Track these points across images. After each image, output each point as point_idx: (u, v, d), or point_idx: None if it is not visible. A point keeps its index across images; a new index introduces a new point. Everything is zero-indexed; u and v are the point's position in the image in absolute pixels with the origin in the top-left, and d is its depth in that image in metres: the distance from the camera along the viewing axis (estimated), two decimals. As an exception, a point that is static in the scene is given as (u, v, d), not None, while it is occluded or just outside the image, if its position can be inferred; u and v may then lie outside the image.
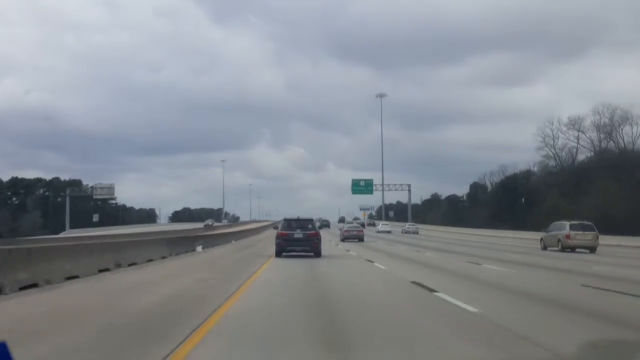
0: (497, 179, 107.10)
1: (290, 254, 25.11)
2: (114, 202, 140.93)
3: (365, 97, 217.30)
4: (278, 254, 25.35)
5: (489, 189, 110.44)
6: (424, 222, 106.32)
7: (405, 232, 75.74)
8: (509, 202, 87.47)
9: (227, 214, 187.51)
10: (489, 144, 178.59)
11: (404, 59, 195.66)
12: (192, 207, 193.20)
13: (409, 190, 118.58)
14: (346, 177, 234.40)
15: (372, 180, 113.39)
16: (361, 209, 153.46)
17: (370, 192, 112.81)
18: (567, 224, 33.61)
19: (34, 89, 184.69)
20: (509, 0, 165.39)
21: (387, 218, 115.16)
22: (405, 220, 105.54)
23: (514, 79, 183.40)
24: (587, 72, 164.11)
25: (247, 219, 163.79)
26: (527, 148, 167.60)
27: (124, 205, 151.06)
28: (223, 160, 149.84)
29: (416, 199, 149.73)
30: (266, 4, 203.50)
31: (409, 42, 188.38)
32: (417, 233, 74.03)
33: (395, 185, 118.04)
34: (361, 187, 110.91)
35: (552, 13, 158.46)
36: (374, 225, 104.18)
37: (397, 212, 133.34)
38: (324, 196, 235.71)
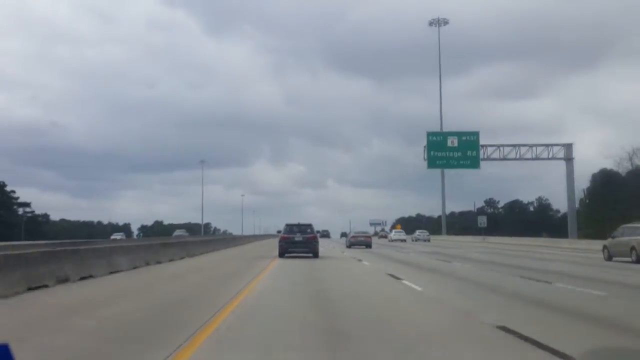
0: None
1: (292, 254, 28.03)
2: (29, 211, 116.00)
3: (366, 110, 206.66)
4: (281, 255, 28.24)
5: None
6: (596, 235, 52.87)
7: (416, 240, 71.60)
8: None
9: (215, 229, 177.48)
10: (494, 158, 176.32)
11: (405, 69, 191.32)
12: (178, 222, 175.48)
13: (569, 159, 60.49)
14: (347, 194, 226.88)
15: (476, 134, 58.53)
16: (371, 224, 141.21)
17: (474, 164, 57.96)
18: None
19: (25, 104, 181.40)
20: (516, 7, 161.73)
21: (479, 230, 78.72)
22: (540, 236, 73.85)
23: (521, 90, 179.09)
24: (597, 84, 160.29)
25: (243, 234, 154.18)
26: (537, 163, 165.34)
27: (46, 216, 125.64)
28: (202, 161, 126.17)
29: (427, 212, 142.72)
30: (262, 15, 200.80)
31: (410, 52, 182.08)
32: (429, 241, 69.80)
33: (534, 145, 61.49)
34: (450, 152, 57.35)
35: (561, 21, 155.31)
36: (385, 237, 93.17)
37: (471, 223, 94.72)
38: (325, 213, 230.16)
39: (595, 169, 76.94)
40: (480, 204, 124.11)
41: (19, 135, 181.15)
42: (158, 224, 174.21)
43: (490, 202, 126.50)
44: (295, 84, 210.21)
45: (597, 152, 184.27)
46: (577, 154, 62.12)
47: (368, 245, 45.71)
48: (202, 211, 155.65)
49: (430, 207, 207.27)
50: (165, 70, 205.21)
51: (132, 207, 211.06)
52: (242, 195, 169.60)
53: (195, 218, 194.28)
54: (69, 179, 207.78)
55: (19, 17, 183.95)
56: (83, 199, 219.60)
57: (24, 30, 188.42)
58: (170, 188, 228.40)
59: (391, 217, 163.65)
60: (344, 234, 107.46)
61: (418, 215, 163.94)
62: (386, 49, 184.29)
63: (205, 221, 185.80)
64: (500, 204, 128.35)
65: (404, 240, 70.14)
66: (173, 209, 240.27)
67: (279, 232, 32.25)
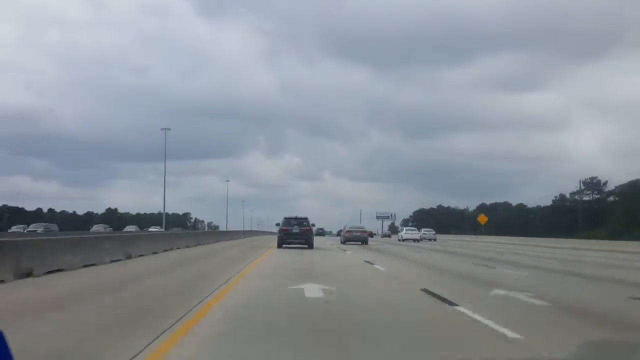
0: None
1: (290, 245, 31.10)
2: None
3: (364, 100, 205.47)
4: (280, 245, 31.36)
5: None
6: None
7: (421, 239, 66.31)
8: None
9: (197, 221, 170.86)
10: (496, 153, 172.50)
11: (407, 57, 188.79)
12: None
13: None
14: (345, 187, 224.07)
15: None
16: (378, 217, 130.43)
17: None
18: None
19: (17, 90, 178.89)
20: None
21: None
22: None
23: (526, 82, 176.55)
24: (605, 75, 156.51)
25: (232, 229, 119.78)
26: (540, 158, 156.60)
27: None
28: (166, 128, 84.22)
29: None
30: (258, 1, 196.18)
31: (412, 39, 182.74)
32: (435, 240, 66.15)
33: None
34: None
35: (570, 8, 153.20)
36: (388, 236, 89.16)
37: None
38: (321, 206, 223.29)
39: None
40: (488, 197, 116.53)
41: (10, 122, 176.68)
42: (112, 212, 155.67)
43: (592, 184, 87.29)
44: (292, 71, 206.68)
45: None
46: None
47: (364, 242, 44.08)
48: (164, 196, 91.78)
49: (433, 200, 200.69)
50: (157, 56, 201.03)
51: (122, 197, 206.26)
52: (227, 181, 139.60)
53: (184, 209, 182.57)
54: (60, 167, 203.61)
55: (8, 1, 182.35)
56: (73, 187, 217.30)
57: (15, 15, 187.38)
58: (161, 178, 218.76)
59: (398, 210, 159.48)
60: (339, 232, 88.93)
61: (439, 206, 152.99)
62: (387, 36, 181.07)
63: (194, 214, 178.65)
64: (609, 186, 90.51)
65: (418, 240, 61.52)
66: (162, 199, 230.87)
67: (277, 224, 34.50)
